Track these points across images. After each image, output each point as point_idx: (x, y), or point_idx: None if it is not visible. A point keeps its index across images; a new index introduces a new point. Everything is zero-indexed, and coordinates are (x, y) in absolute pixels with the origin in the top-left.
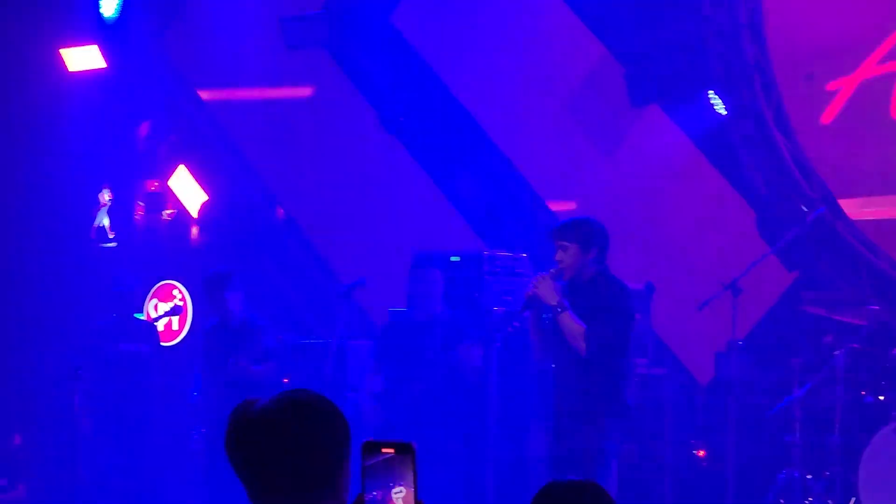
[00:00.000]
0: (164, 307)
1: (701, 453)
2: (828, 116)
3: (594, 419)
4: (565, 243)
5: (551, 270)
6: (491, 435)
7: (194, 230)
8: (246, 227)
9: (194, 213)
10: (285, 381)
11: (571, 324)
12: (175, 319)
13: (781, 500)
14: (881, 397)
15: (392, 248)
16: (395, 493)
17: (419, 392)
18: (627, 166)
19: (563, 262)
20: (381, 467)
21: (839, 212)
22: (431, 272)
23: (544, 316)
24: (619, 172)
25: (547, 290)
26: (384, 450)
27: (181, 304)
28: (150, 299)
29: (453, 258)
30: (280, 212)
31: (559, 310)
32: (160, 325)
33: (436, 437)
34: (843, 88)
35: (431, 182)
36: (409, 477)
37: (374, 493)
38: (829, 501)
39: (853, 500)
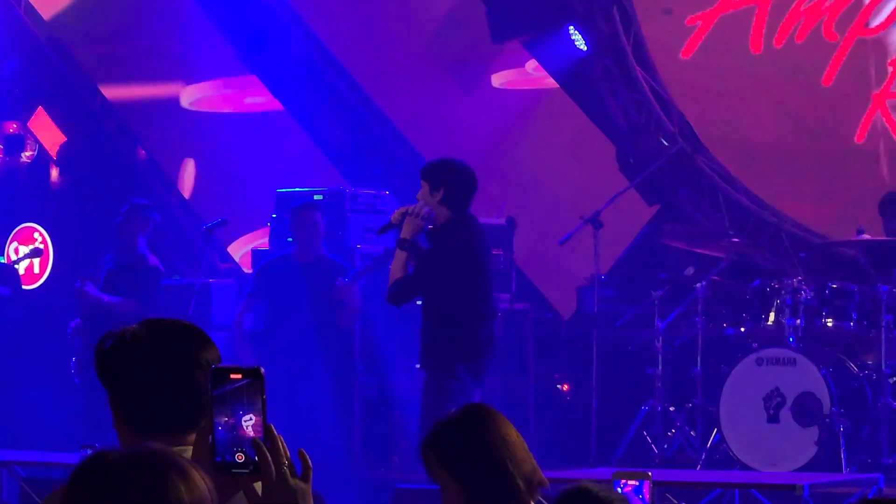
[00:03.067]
0: (25, 250)
1: (564, 387)
2: (687, 51)
3: (436, 359)
4: (422, 181)
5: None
6: (358, 373)
7: (54, 172)
8: (107, 168)
9: (53, 155)
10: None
11: (394, 265)
12: (36, 262)
13: (644, 432)
14: (741, 329)
15: (254, 187)
16: (246, 419)
17: (297, 329)
18: (489, 102)
19: (420, 199)
20: (230, 393)
21: (698, 145)
22: (313, 213)
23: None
24: (481, 108)
25: (407, 224)
26: (233, 375)
27: (41, 246)
28: (11, 242)
29: (316, 196)
30: (141, 153)
31: (399, 246)
32: (21, 268)
33: (307, 377)
34: (702, 23)
35: (293, 120)
36: (257, 404)
37: (225, 421)
38: (692, 432)
39: (714, 430)
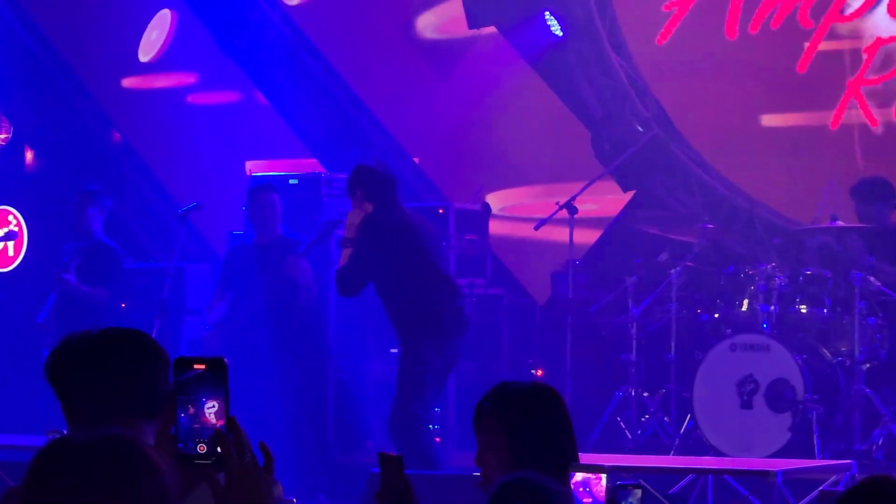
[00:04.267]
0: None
1: (538, 372)
2: (663, 37)
3: (403, 336)
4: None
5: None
6: (330, 356)
7: (29, 155)
8: (81, 151)
9: (28, 138)
10: (122, 305)
11: (341, 262)
12: (10, 245)
13: (618, 418)
14: (715, 315)
15: (229, 171)
16: (208, 408)
17: (256, 314)
18: (464, 89)
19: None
20: (193, 383)
21: (673, 131)
22: (269, 195)
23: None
24: (457, 93)
25: (350, 223)
26: (196, 365)
27: (16, 229)
28: None
29: (291, 181)
30: (116, 135)
31: (341, 245)
32: None
33: (274, 360)
34: (678, 9)
35: (268, 104)
36: (222, 392)
37: (188, 409)
38: (665, 418)
39: (688, 416)
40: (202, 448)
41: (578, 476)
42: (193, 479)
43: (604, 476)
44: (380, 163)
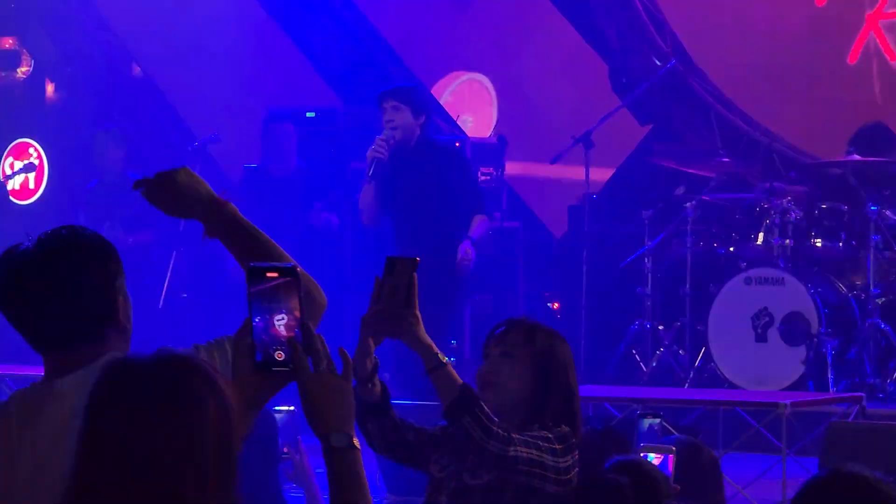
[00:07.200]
0: (19, 165)
1: (555, 305)
2: None
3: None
4: (399, 104)
5: (385, 132)
6: (347, 296)
7: (49, 88)
8: (102, 84)
9: (49, 71)
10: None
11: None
12: (31, 177)
13: (633, 350)
14: (731, 248)
15: (247, 104)
16: (277, 320)
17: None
18: (482, 21)
19: (395, 123)
20: (266, 293)
21: (691, 64)
22: (285, 126)
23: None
24: (474, 27)
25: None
26: (269, 274)
27: (36, 161)
28: (6, 157)
29: (309, 113)
30: (136, 68)
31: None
32: (16, 184)
33: None
34: None
35: (287, 37)
36: (292, 302)
37: (258, 320)
38: (680, 351)
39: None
40: (280, 355)
41: (651, 457)
42: (272, 388)
43: (672, 454)
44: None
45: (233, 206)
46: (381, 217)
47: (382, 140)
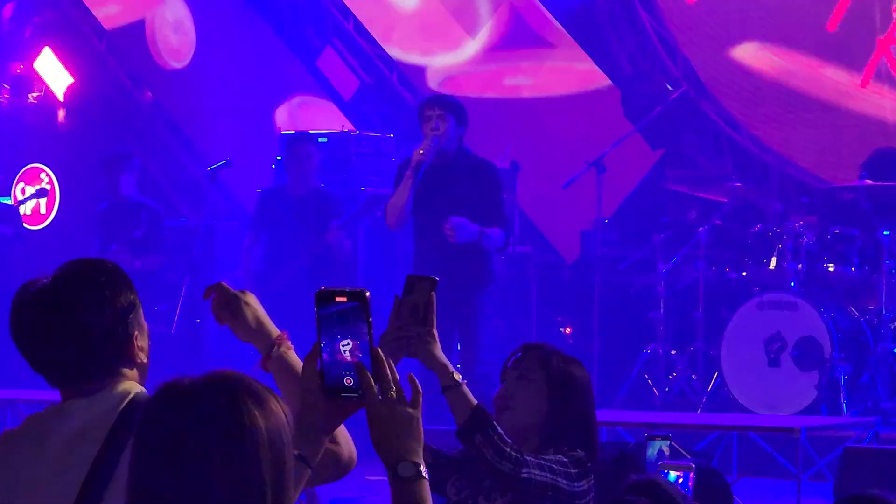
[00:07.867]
0: (31, 190)
1: (567, 330)
2: None
3: (467, 287)
4: (445, 113)
5: (429, 138)
6: None
7: (61, 113)
8: (113, 109)
9: (60, 96)
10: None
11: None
12: (42, 202)
13: (646, 375)
14: (743, 273)
15: (259, 130)
16: (344, 345)
17: (292, 274)
18: (494, 46)
19: (439, 131)
20: (334, 317)
21: (703, 89)
22: (308, 146)
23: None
24: (484, 49)
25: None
26: (337, 298)
27: (48, 187)
28: (17, 182)
29: (321, 138)
30: (147, 94)
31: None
32: (27, 209)
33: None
34: None
35: (299, 63)
36: (360, 328)
37: (324, 344)
38: (693, 376)
39: (715, 374)
40: (348, 381)
41: (672, 475)
42: (341, 414)
43: (692, 471)
44: None
45: (288, 344)
46: (408, 220)
47: (429, 144)
